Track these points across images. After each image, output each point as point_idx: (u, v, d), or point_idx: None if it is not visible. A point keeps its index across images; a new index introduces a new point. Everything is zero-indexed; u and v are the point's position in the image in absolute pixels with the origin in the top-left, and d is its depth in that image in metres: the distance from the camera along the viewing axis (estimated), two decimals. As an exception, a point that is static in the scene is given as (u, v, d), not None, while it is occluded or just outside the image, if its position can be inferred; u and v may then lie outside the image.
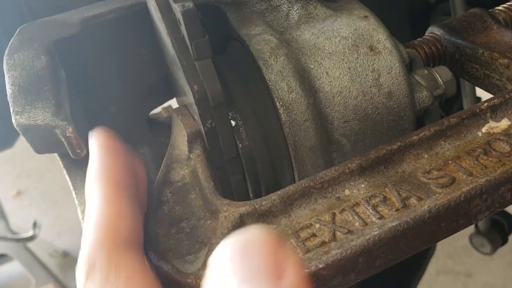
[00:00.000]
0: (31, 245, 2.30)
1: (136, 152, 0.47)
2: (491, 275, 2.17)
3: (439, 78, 0.56)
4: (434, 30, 0.63)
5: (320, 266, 0.37)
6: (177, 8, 0.44)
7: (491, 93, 0.58)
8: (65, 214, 2.75)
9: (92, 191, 0.41)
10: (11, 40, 0.50)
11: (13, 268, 2.30)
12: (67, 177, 0.59)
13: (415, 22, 1.13)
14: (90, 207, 0.39)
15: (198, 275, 0.38)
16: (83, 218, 0.60)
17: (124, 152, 0.43)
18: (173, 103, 0.66)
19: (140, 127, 0.63)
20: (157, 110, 0.70)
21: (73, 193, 0.60)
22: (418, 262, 1.37)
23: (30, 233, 2.24)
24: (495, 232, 1.44)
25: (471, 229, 1.55)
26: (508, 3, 0.66)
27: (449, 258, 2.25)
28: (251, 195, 0.55)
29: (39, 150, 0.50)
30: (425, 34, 0.65)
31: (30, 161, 3.10)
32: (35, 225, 2.27)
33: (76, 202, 0.61)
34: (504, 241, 1.46)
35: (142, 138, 0.65)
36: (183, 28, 0.44)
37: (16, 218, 2.58)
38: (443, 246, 2.25)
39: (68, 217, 2.69)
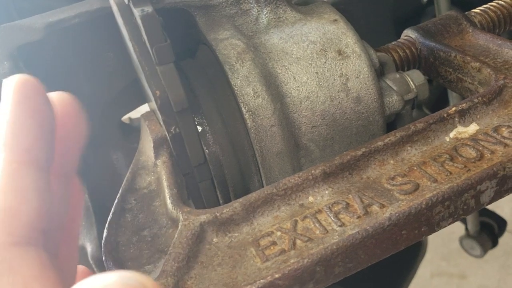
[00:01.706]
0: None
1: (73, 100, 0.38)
2: (485, 277, 2.16)
3: (411, 82, 0.55)
4: (409, 33, 0.63)
5: (276, 276, 0.37)
6: (136, 13, 0.43)
7: (464, 96, 0.57)
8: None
9: None
10: None
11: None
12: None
13: (406, 24, 1.12)
14: None
15: (152, 286, 0.37)
16: None
17: (45, 106, 0.34)
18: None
19: (112, 133, 0.63)
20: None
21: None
22: (409, 264, 1.37)
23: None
24: (485, 234, 1.43)
25: (462, 231, 1.54)
26: (484, 6, 0.65)
27: (443, 260, 2.24)
28: (220, 201, 0.54)
29: None
30: (401, 37, 0.64)
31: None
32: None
33: None
34: (494, 243, 1.45)
35: (115, 143, 0.64)
36: (143, 33, 0.44)
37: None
38: (437, 248, 2.24)
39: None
